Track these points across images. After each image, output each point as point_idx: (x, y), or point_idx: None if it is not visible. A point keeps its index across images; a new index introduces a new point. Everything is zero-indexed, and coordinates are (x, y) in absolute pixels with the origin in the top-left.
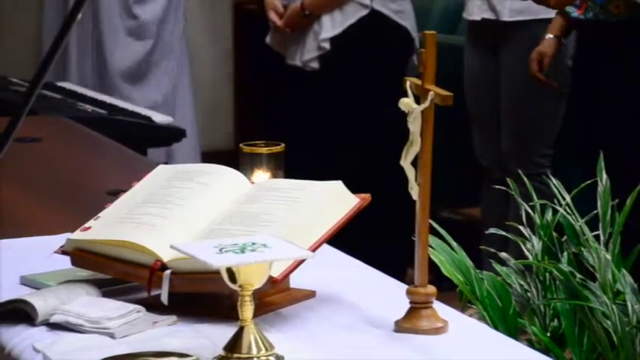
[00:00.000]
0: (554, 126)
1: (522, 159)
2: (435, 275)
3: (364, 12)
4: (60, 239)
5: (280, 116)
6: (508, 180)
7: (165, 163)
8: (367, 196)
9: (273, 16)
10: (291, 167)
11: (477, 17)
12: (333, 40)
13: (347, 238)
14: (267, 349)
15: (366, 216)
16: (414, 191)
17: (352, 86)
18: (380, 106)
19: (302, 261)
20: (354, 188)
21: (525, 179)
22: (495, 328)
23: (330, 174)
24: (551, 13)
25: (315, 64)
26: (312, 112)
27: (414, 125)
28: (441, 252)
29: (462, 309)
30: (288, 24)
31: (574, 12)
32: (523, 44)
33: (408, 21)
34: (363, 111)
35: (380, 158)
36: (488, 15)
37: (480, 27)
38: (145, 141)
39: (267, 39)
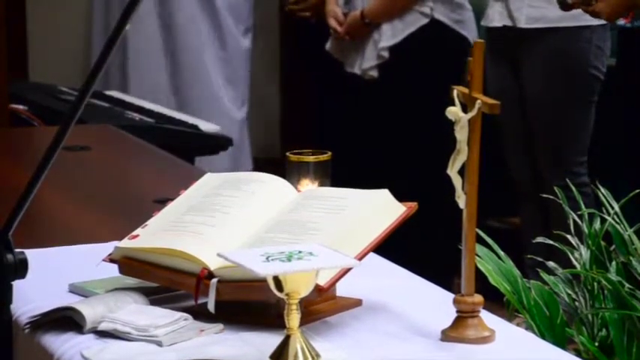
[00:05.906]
0: (584, 134)
1: (558, 170)
2: (482, 284)
3: (425, 21)
4: (108, 247)
5: (328, 124)
6: (556, 189)
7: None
8: (414, 205)
9: (333, 24)
10: (338, 175)
11: (497, 24)
12: (392, 48)
13: (393, 246)
14: (313, 358)
15: (412, 225)
16: (461, 200)
17: (411, 95)
18: (438, 115)
19: (348, 269)
20: (401, 197)
21: (573, 189)
22: (543, 337)
23: (377, 182)
24: (568, 23)
25: (374, 73)
26: (366, 120)
27: (461, 134)
28: (488, 261)
29: (509, 318)
30: (348, 32)
31: (620, 20)
32: (543, 56)
33: (468, 30)
34: (421, 120)
35: (431, 167)
36: (507, 22)
37: (500, 36)
38: (192, 149)
39: (327, 46)
